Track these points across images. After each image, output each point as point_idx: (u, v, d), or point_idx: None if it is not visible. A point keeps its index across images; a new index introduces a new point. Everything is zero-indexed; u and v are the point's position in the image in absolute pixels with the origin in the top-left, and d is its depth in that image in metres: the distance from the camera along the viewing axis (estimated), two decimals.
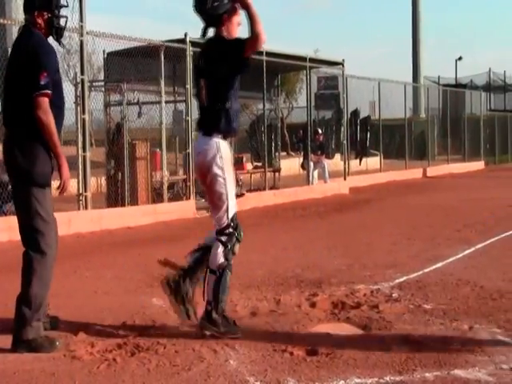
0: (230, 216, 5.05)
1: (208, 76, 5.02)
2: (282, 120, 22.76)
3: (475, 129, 30.95)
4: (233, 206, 5.06)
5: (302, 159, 19.57)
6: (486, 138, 31.99)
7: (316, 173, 18.81)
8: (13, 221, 10.81)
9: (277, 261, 8.17)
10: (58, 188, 4.84)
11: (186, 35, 13.17)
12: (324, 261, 8.10)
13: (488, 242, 9.31)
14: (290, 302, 5.94)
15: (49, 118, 4.67)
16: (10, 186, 5.46)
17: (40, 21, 4.83)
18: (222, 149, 4.97)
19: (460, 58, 52.59)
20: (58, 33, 4.93)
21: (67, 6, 5.08)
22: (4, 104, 4.94)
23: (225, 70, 4.97)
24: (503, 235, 9.94)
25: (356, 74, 21.40)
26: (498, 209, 13.40)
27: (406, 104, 24.72)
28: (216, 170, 4.93)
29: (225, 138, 5.05)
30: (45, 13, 4.83)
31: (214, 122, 4.99)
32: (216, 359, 4.43)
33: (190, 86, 13.20)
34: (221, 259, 4.99)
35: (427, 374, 4.12)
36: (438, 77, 41.25)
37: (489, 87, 41.72)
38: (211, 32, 5.11)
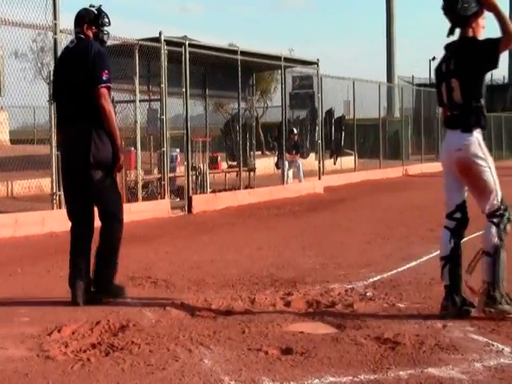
0: (499, 199, 5.53)
1: (462, 76, 5.29)
2: (256, 119, 22.78)
3: None
4: (499, 189, 5.55)
5: (276, 158, 19.60)
6: None
7: (291, 172, 18.86)
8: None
9: (251, 260, 8.18)
10: (115, 167, 5.88)
11: (160, 34, 13.14)
12: (299, 260, 8.12)
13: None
14: (264, 302, 5.95)
15: (110, 106, 5.77)
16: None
17: (89, 33, 6.01)
18: (482, 142, 5.36)
19: (434, 59, 52.94)
20: (101, 44, 6.07)
21: (110, 25, 6.17)
22: (68, 104, 5.86)
23: (477, 69, 5.27)
24: (474, 235, 10.00)
25: (331, 73, 21.51)
26: (470, 208, 13.47)
27: (380, 104, 24.86)
28: (481, 161, 5.36)
29: (482, 132, 5.43)
30: (93, 27, 6.02)
31: (473, 119, 5.32)
32: (191, 358, 4.42)
33: (164, 84, 13.17)
34: (495, 239, 5.55)
35: (401, 373, 4.14)
36: (412, 77, 41.48)
37: None
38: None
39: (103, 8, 6.16)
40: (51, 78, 11.31)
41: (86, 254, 5.93)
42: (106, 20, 6.13)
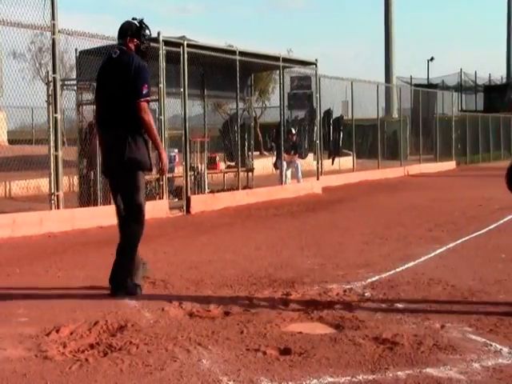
0: None
1: None
2: (255, 120, 22.77)
3: (446, 129, 31.21)
4: None
5: (275, 159, 19.60)
6: (457, 138, 32.26)
7: (289, 172, 18.85)
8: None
9: (250, 260, 8.18)
10: (159, 171, 6.62)
11: (158, 34, 13.12)
12: (297, 260, 8.12)
13: (459, 241, 9.40)
14: (262, 302, 5.95)
15: (150, 118, 6.21)
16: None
17: (131, 45, 6.38)
18: None
19: (432, 59, 53.05)
20: (142, 55, 6.45)
21: (151, 38, 6.55)
22: (108, 111, 6.30)
23: None
24: (474, 235, 10.04)
25: (329, 73, 21.50)
26: (468, 208, 13.53)
27: (378, 104, 24.87)
28: None
29: None
30: (135, 39, 6.39)
31: None
32: (189, 359, 4.43)
33: (163, 85, 13.16)
34: None
35: (399, 373, 4.15)
36: (411, 77, 41.52)
37: (460, 88, 42.10)
38: None
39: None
40: (49, 78, 11.40)
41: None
42: (148, 32, 6.56)
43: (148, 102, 6.25)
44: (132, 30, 6.42)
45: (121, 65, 6.29)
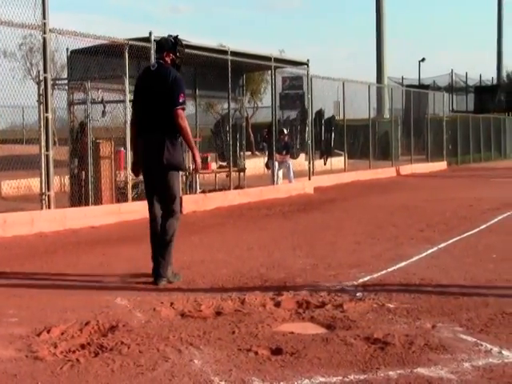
0: None
1: None
2: (246, 119, 22.78)
3: (438, 129, 31.29)
4: None
5: (266, 159, 19.59)
6: (448, 138, 32.34)
7: (281, 172, 18.86)
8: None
9: (242, 260, 8.18)
10: (194, 170, 7.74)
11: (150, 34, 13.09)
12: (289, 260, 8.12)
13: (450, 241, 9.42)
14: (254, 302, 5.94)
15: (186, 124, 6.90)
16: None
17: (167, 59, 7.04)
18: None
19: (423, 60, 53.17)
20: (177, 68, 7.10)
21: (184, 51, 7.27)
22: (147, 118, 6.95)
23: None
24: (465, 235, 10.07)
25: (322, 74, 21.50)
26: (459, 209, 13.57)
27: (370, 104, 24.90)
28: None
29: None
30: (171, 54, 7.05)
31: None
32: (180, 359, 4.42)
33: None
34: None
35: (391, 373, 4.15)
36: (402, 78, 41.60)
37: (451, 88, 42.22)
38: None
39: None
40: (40, 77, 11.36)
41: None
42: (182, 48, 7.21)
43: (184, 109, 6.96)
44: (168, 46, 7.09)
45: (159, 77, 6.98)
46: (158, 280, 6.80)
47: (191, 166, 13.54)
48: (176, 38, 7.18)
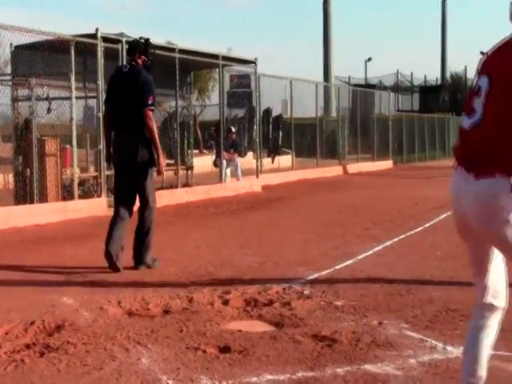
0: None
1: None
2: (194, 118, 22.70)
3: (384, 128, 31.65)
4: None
5: (214, 157, 19.57)
6: (394, 137, 32.75)
7: (229, 170, 18.86)
8: None
9: (189, 258, 8.15)
10: (157, 170, 7.55)
11: (97, 30, 12.96)
12: (237, 258, 8.13)
13: (396, 239, 9.55)
14: (202, 300, 5.94)
15: (153, 124, 7.31)
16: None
17: (139, 61, 7.49)
18: None
19: (369, 59, 53.77)
20: (148, 69, 7.53)
21: (155, 54, 7.83)
22: (119, 117, 7.36)
23: None
24: (410, 233, 10.21)
25: (271, 73, 21.55)
26: (405, 207, 13.76)
27: (317, 103, 25.05)
28: None
29: None
30: (142, 56, 7.49)
31: None
32: (128, 358, 4.39)
33: (101, 81, 12.99)
34: None
35: (338, 370, 4.19)
36: (349, 77, 41.96)
37: (397, 88, 42.74)
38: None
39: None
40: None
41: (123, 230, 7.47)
42: (152, 51, 7.68)
43: (153, 110, 7.35)
44: (140, 48, 7.53)
45: (131, 78, 7.41)
46: (138, 265, 7.35)
47: None
48: (147, 40, 7.60)
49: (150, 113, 7.29)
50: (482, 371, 3.21)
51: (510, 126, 2.94)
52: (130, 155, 7.30)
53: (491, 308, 3.25)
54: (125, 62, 7.88)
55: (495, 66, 3.03)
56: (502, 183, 2.95)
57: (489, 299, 3.25)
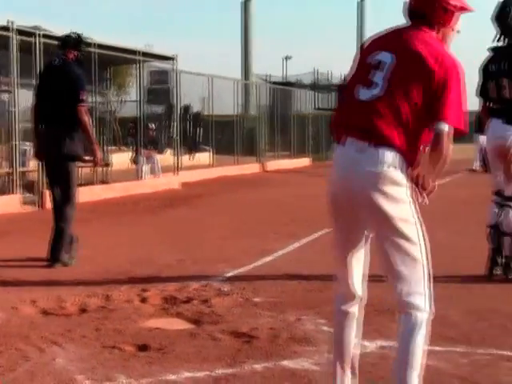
0: None
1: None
2: (112, 113, 22.41)
3: (302, 126, 31.97)
4: None
5: (133, 153, 19.37)
6: (312, 135, 33.11)
7: (148, 167, 18.70)
8: None
9: (107, 256, 8.04)
10: (92, 162, 8.01)
11: (11, 23, 12.62)
12: (155, 256, 8.07)
13: (313, 236, 9.64)
14: (120, 298, 5.86)
15: (87, 119, 7.45)
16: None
17: (71, 56, 7.59)
18: None
19: (288, 57, 54.22)
20: (79, 64, 7.68)
21: (87, 49, 8.08)
22: (48, 110, 7.44)
23: None
24: (327, 230, 10.32)
25: (193, 70, 21.47)
26: (322, 204, 13.87)
27: (236, 101, 25.10)
28: None
29: None
30: (74, 51, 7.60)
31: None
32: (42, 358, 4.30)
33: (15, 75, 12.66)
34: None
35: (256, 366, 4.21)
36: (269, 75, 42.16)
37: (315, 86, 43.17)
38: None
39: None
40: None
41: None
42: (84, 46, 7.94)
43: (86, 106, 7.52)
44: (72, 43, 7.65)
45: (62, 72, 7.49)
46: (55, 262, 7.29)
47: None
48: (79, 35, 7.77)
49: (83, 108, 7.43)
50: (356, 350, 3.58)
51: (412, 95, 3.16)
52: (56, 149, 7.37)
53: (354, 297, 3.59)
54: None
55: (399, 45, 3.28)
56: (398, 155, 3.19)
57: (352, 288, 3.56)
